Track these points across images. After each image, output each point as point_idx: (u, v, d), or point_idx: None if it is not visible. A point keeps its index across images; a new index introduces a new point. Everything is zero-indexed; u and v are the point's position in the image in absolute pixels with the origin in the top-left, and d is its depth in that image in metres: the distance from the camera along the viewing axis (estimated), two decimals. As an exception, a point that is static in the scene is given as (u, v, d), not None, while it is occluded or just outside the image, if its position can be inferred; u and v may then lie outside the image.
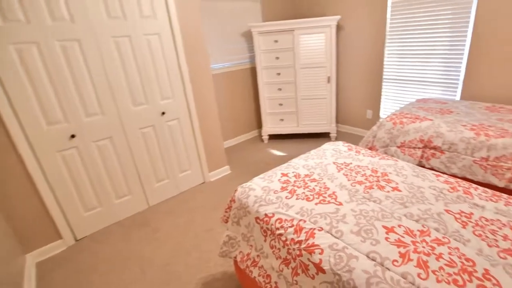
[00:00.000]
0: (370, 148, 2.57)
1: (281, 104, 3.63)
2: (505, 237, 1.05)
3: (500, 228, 1.10)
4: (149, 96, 2.42)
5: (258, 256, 1.36)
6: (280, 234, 1.22)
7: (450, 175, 1.82)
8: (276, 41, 3.33)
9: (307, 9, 3.90)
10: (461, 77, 2.84)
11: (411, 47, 3.13)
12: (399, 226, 1.14)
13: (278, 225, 1.25)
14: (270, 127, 3.78)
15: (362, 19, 3.39)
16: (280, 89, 3.56)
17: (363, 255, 1.02)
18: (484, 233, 1.08)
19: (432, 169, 2.17)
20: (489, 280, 0.87)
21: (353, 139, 3.62)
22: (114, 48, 2.16)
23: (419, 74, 3.17)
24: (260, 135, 4.04)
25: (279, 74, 3.49)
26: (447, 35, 2.84)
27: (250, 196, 1.46)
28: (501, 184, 1.89)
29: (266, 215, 1.32)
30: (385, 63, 3.39)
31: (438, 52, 2.95)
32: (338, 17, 3.17)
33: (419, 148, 2.28)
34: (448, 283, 0.87)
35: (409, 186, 1.44)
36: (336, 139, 3.70)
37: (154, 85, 2.43)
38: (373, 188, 1.43)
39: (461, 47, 2.77)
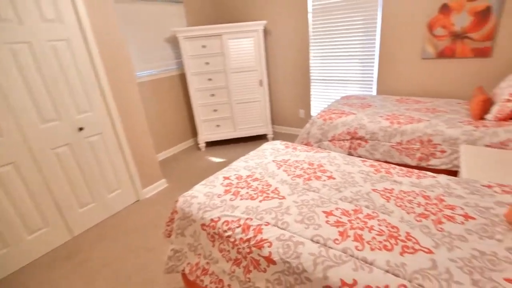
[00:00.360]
0: (306, 144, 2.80)
1: (215, 110, 3.67)
2: (419, 204, 1.28)
3: (414, 198, 1.34)
4: (61, 110, 2.17)
5: (207, 263, 1.35)
6: (229, 236, 1.25)
7: (374, 160, 2.12)
8: (204, 46, 3.37)
9: (232, 14, 4.06)
10: (375, 75, 3.34)
11: (332, 49, 3.54)
12: (336, 209, 1.29)
13: (225, 228, 1.27)
14: (206, 134, 3.78)
15: (287, 24, 3.69)
16: (213, 95, 3.60)
17: (308, 240, 1.11)
18: (404, 203, 1.30)
19: (359, 157, 2.48)
20: (410, 240, 1.06)
21: (290, 138, 3.87)
22: (9, 56, 1.88)
23: (341, 74, 3.60)
24: (196, 144, 3.99)
25: (210, 79, 3.52)
26: (360, 38, 3.30)
27: (193, 204, 1.45)
28: (413, 163, 2.28)
29: (212, 220, 1.33)
30: (311, 64, 3.74)
31: (355, 54, 3.41)
32: (264, 22, 3.39)
33: (347, 139, 2.59)
34: (380, 249, 1.02)
35: (341, 173, 1.63)
36: (273, 140, 3.90)
37: (66, 97, 2.19)
38: (311, 179, 1.58)
39: (372, 49, 3.27)
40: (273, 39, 3.87)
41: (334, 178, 1.58)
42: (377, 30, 3.15)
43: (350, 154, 2.57)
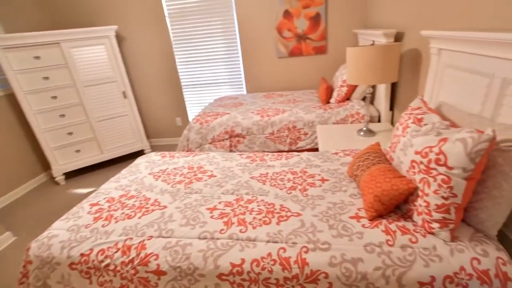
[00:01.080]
0: (188, 151, 2.84)
1: (70, 133, 3.21)
2: (288, 180, 1.54)
3: (285, 175, 1.60)
4: None
5: (85, 306, 1.20)
6: (107, 265, 1.16)
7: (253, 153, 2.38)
8: (37, 57, 2.88)
9: (71, 19, 3.64)
10: (243, 76, 3.72)
11: (197, 54, 3.70)
12: (220, 203, 1.40)
13: (101, 258, 1.18)
14: (63, 164, 3.25)
15: (143, 28, 3.61)
16: (63, 115, 3.13)
17: (196, 239, 1.17)
18: (277, 182, 1.53)
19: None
20: (283, 210, 1.27)
21: (171, 150, 3.81)
22: None
23: (211, 77, 3.82)
24: (51, 178, 3.38)
25: (55, 97, 3.05)
26: (222, 41, 3.59)
27: (53, 245, 1.27)
28: (286, 148, 2.69)
29: (82, 254, 1.21)
30: (179, 70, 3.80)
31: (220, 57, 3.68)
32: (115, 27, 3.21)
33: (226, 139, 2.79)
34: (260, 225, 1.19)
35: (221, 170, 1.77)
36: (153, 155, 3.75)
37: None
38: (192, 182, 1.64)
39: (236, 51, 3.62)
40: (131, 46, 3.72)
41: (215, 176, 1.69)
42: (237, 33, 3.52)
43: (232, 152, 2.78)
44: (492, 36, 0.98)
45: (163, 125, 4.14)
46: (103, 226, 1.33)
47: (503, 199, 0.89)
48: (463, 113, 1.14)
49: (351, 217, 1.15)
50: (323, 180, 1.48)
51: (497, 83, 1.03)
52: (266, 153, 1.96)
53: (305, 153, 1.87)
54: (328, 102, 2.85)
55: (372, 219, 1.11)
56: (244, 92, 3.83)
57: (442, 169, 0.93)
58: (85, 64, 3.13)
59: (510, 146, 0.87)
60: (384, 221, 1.09)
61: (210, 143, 2.82)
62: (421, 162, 1.01)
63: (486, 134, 0.86)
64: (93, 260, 1.18)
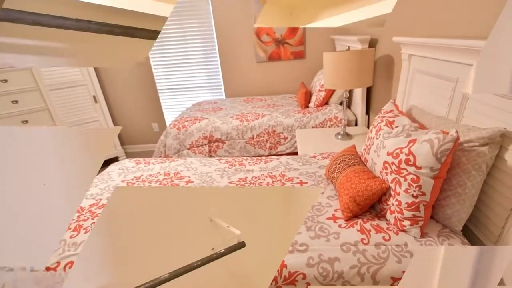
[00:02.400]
0: (165, 158, 2.83)
1: (37, 140, 3.10)
2: (267, 184, 1.58)
3: (264, 179, 1.63)
4: None
5: (52, 321, 1.17)
6: (76, 278, 1.13)
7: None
8: (-4, 58, 2.77)
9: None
10: (222, 80, 3.75)
11: (174, 57, 3.70)
12: (197, 208, 1.41)
13: (69, 270, 1.15)
14: (29, 173, 3.13)
15: (114, 30, 3.57)
16: (26, 121, 3.02)
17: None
18: (256, 186, 1.56)
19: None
20: (262, 214, 1.30)
21: (146, 156, 3.73)
22: None
23: (189, 81, 3.82)
24: (16, 189, 3.24)
25: (16, 102, 2.92)
26: (200, 45, 3.61)
27: (16, 259, 1.22)
28: (266, 153, 2.73)
29: (48, 268, 1.17)
30: (155, 74, 3.77)
31: (198, 60, 3.70)
32: (83, 27, 3.16)
33: (205, 144, 2.80)
34: (238, 230, 1.21)
35: (199, 175, 1.78)
36: (127, 163, 3.68)
37: None
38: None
39: (215, 55, 3.64)
40: (102, 48, 3.66)
41: (192, 182, 1.70)
42: (215, 36, 3.55)
43: (211, 157, 2.79)
44: (455, 43, 1.08)
45: (139, 131, 4.08)
46: (71, 237, 1.30)
47: (466, 196, 0.97)
48: (431, 116, 1.23)
49: (328, 218, 1.20)
50: (301, 183, 1.53)
51: (460, 87, 1.12)
52: (245, 157, 1.99)
53: (284, 157, 1.92)
54: (307, 107, 2.93)
55: (348, 219, 1.16)
56: (223, 97, 3.87)
57: (411, 169, 1.00)
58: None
59: (472, 146, 0.95)
60: (359, 221, 1.15)
61: (188, 149, 2.82)
62: (393, 163, 1.07)
63: (450, 135, 0.93)
64: (61, 274, 1.16)
